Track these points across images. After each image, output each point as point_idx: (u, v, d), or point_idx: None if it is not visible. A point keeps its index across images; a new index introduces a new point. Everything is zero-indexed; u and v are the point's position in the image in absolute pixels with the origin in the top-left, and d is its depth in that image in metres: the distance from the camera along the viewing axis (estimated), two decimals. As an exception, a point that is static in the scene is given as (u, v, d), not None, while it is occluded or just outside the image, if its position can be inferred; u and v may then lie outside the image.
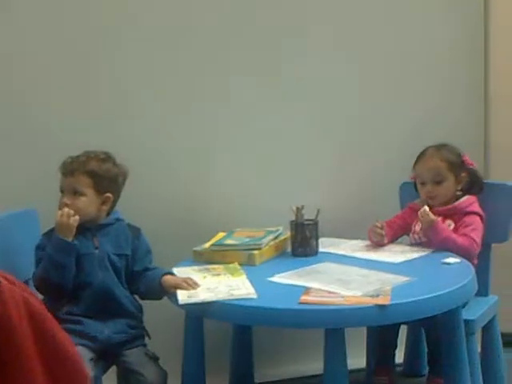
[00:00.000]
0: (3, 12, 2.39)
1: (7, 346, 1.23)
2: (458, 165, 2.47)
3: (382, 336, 2.46)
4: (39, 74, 2.44)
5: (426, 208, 2.37)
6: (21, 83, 2.43)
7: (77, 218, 2.07)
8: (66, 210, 2.07)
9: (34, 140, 2.45)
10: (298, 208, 2.40)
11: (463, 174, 2.47)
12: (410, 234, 2.50)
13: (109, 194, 2.16)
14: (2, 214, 2.21)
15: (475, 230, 2.38)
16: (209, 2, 2.61)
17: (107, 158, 2.18)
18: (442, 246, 2.34)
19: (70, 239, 2.06)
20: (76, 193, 2.12)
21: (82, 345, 1.99)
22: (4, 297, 1.23)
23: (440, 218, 2.40)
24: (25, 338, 1.23)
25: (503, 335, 2.57)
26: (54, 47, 2.45)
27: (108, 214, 2.19)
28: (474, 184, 2.49)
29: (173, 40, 2.56)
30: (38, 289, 2.05)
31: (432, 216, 2.36)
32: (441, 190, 2.44)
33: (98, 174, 2.14)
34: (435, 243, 2.37)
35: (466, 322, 2.20)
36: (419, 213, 2.38)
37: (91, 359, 1.99)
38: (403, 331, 2.54)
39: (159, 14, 2.55)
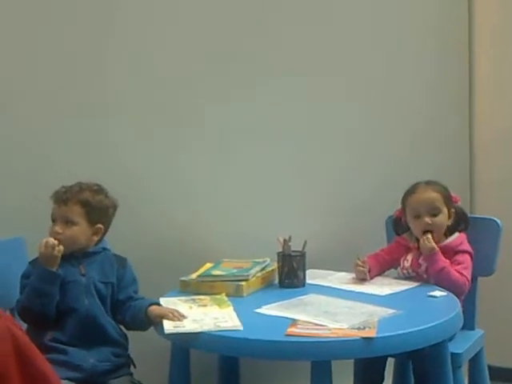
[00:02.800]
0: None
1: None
2: (449, 199, 2.49)
3: (369, 368, 2.45)
4: (27, 103, 2.43)
5: (429, 235, 2.38)
6: (10, 112, 2.42)
7: (61, 248, 2.06)
8: (50, 240, 2.06)
9: (22, 168, 2.45)
10: (285, 239, 2.41)
11: (452, 210, 2.50)
12: (399, 269, 2.51)
13: (100, 225, 2.17)
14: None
15: (466, 268, 2.40)
16: (208, 48, 2.62)
17: (99, 189, 2.19)
18: (437, 277, 2.35)
19: (54, 269, 2.06)
20: (68, 222, 2.12)
21: (67, 378, 1.96)
22: (-10, 329, 1.22)
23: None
24: (9, 367, 1.22)
25: (490, 368, 2.57)
26: (44, 76, 2.45)
27: (96, 243, 2.19)
28: (461, 221, 2.51)
29: (158, 74, 2.56)
30: (20, 316, 2.04)
31: (433, 244, 2.37)
32: (437, 222, 2.44)
33: (91, 205, 2.14)
34: (431, 272, 2.38)
35: (453, 355, 2.21)
36: (422, 238, 2.39)
37: (76, 393, 1.98)
38: (390, 364, 2.54)
39: (149, 50, 2.54)
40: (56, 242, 2.06)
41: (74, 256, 2.13)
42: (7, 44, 2.36)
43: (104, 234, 2.20)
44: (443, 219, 2.46)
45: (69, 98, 2.46)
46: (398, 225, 2.57)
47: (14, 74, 2.38)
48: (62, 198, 2.14)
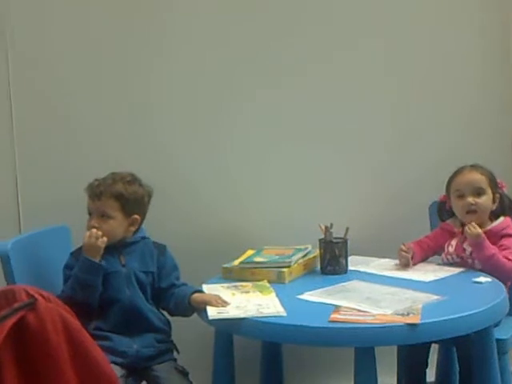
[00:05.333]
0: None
1: (44, 359, 1.25)
2: (494, 182, 2.46)
3: (412, 355, 2.44)
4: (78, 99, 2.52)
5: (474, 222, 2.35)
6: (62, 107, 2.51)
7: (104, 239, 2.09)
8: (94, 231, 2.09)
9: (68, 158, 2.51)
10: (326, 226, 2.40)
11: (497, 195, 2.46)
12: (443, 255, 2.48)
13: (136, 216, 2.18)
14: (35, 230, 2.25)
15: None
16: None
17: (133, 179, 2.20)
18: (485, 264, 2.32)
19: (97, 260, 2.08)
20: (104, 216, 2.14)
21: (113, 362, 1.99)
22: (41, 313, 1.25)
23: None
24: (61, 352, 1.25)
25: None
26: (96, 77, 2.52)
27: (134, 233, 2.21)
28: (505, 207, 2.47)
29: (205, 74, 2.60)
30: (64, 307, 2.08)
31: (479, 230, 2.33)
32: (481, 203, 2.41)
33: (125, 197, 2.15)
34: (478, 260, 2.35)
35: (499, 341, 2.18)
36: (466, 226, 2.36)
37: (121, 376, 2.01)
38: (434, 349, 2.52)
39: (198, 52, 2.60)
40: (100, 232, 2.08)
41: (114, 247, 2.15)
42: (70, 51, 2.50)
43: (141, 223, 2.22)
44: (487, 201, 2.42)
45: (120, 97, 2.54)
46: (442, 210, 2.54)
47: (68, 77, 2.50)
48: (96, 192, 2.15)
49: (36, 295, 1.30)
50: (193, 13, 2.59)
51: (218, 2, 2.61)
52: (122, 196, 2.15)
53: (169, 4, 2.57)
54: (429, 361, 2.47)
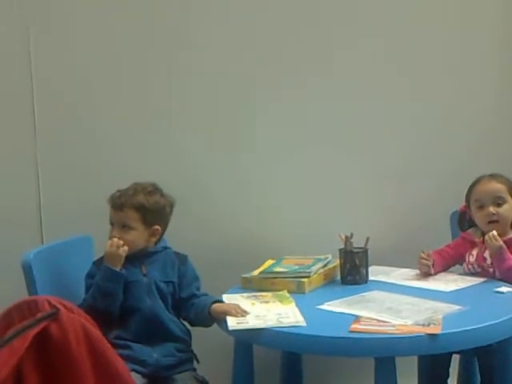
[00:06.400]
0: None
1: (66, 369, 1.27)
2: None
3: (433, 365, 2.42)
4: (103, 112, 2.56)
5: (495, 232, 2.34)
6: (87, 119, 2.55)
7: (126, 248, 2.11)
8: (115, 240, 2.11)
9: (90, 168, 2.54)
10: (346, 236, 2.40)
11: (517, 203, 2.45)
12: (464, 265, 2.47)
13: (157, 227, 2.20)
14: (58, 240, 2.28)
15: None
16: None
17: (154, 190, 2.21)
18: (505, 275, 2.31)
19: (118, 268, 2.10)
20: (125, 226, 2.16)
21: (133, 370, 2.01)
22: (63, 324, 1.27)
23: None
24: (83, 361, 1.27)
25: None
26: (110, 82, 2.54)
27: (156, 243, 2.23)
28: None
29: (220, 77, 2.61)
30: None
31: (500, 241, 2.33)
32: (502, 213, 2.40)
33: (146, 208, 2.17)
34: (499, 271, 2.34)
35: (521, 351, 2.16)
36: (486, 237, 2.35)
37: (142, 385, 2.02)
38: (456, 360, 2.50)
39: (212, 54, 2.61)
40: (121, 241, 2.11)
41: (136, 257, 2.17)
42: (85, 55, 2.52)
43: (162, 233, 2.23)
44: (508, 210, 2.41)
45: (143, 110, 2.56)
46: (462, 220, 2.54)
47: (93, 90, 2.53)
48: (118, 203, 2.17)
49: (58, 305, 1.32)
50: (211, 15, 2.59)
51: (231, 5, 2.61)
52: (143, 207, 2.16)
53: (188, 7, 2.58)
54: (450, 371, 2.45)
